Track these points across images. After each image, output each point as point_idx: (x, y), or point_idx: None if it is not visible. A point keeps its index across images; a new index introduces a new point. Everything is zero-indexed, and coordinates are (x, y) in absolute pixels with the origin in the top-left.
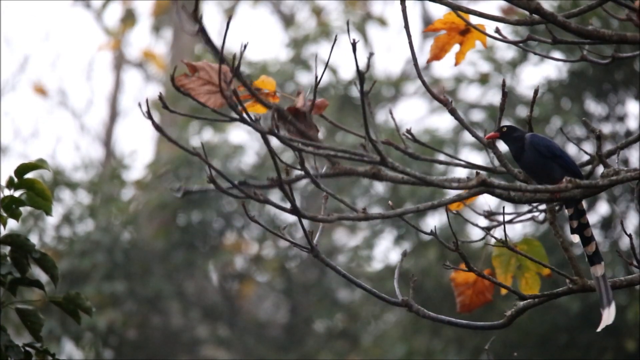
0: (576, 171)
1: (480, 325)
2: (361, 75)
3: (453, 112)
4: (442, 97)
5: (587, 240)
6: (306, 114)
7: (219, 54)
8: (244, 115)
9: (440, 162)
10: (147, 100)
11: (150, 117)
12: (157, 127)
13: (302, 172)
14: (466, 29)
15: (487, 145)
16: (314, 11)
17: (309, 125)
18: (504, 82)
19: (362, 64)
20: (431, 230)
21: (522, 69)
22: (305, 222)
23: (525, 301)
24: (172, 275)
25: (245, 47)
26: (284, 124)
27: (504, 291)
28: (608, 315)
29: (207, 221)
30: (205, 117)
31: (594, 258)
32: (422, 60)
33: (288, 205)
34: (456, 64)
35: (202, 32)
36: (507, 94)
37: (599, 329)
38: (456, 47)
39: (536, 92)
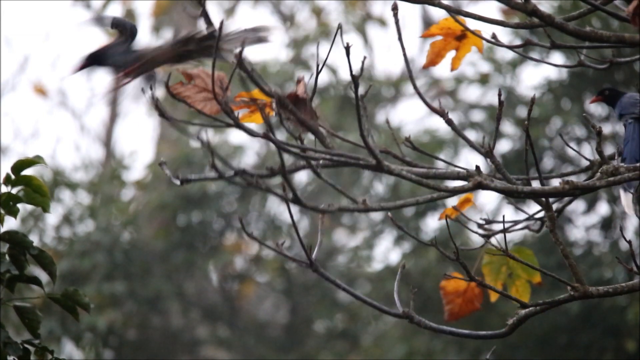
0: None
1: (482, 335)
2: (355, 79)
3: (450, 123)
4: (439, 108)
5: None
6: (307, 102)
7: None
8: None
9: (438, 173)
10: (155, 98)
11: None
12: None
13: (304, 162)
14: (462, 34)
15: (485, 155)
16: (314, 11)
17: (309, 113)
18: (499, 92)
19: (357, 67)
20: (431, 241)
21: (522, 69)
22: (303, 223)
23: (526, 309)
24: (172, 275)
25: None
26: (284, 113)
27: (493, 298)
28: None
29: (207, 221)
30: (201, 124)
31: None
32: (421, 62)
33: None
34: (452, 69)
35: (204, 16)
36: (503, 103)
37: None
38: (452, 53)
39: (533, 99)
